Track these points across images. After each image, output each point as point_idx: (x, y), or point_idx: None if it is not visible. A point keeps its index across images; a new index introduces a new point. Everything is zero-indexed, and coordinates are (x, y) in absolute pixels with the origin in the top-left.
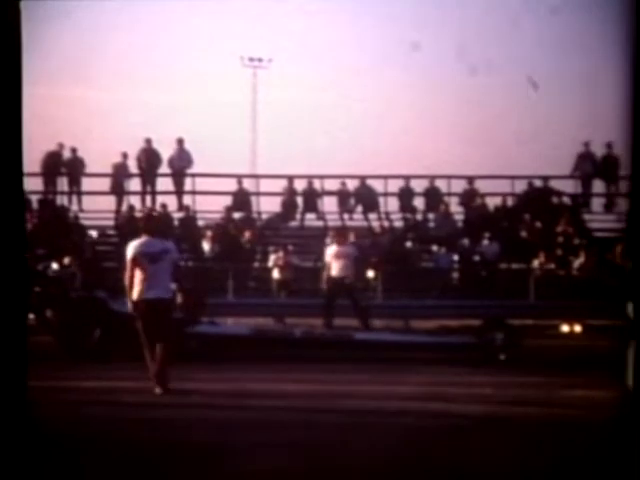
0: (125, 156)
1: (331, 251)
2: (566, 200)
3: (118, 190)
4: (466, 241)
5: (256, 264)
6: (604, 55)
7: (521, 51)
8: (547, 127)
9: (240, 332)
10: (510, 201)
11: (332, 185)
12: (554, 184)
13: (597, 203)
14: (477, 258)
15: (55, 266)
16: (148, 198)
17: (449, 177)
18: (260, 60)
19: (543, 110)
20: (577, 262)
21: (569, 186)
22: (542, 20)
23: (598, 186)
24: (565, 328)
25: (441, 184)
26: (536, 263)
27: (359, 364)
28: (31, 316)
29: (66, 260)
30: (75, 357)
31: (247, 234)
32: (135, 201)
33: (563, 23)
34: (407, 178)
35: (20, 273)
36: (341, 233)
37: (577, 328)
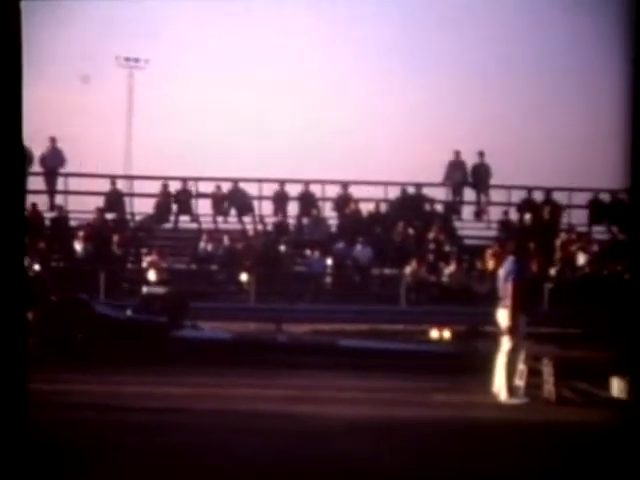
0: None
1: None
2: (438, 207)
3: None
4: (339, 246)
5: (129, 265)
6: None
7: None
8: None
9: (223, 337)
10: (383, 207)
11: (206, 187)
12: (426, 192)
13: (467, 211)
14: (350, 263)
15: (37, 267)
16: None
17: (323, 182)
18: (137, 60)
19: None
20: (448, 269)
21: (441, 194)
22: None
23: (469, 194)
24: (434, 333)
25: (315, 189)
26: (408, 269)
27: (239, 367)
28: None
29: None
30: (58, 360)
31: (119, 235)
32: None
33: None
34: (282, 182)
35: (19, 276)
36: None
37: (446, 334)
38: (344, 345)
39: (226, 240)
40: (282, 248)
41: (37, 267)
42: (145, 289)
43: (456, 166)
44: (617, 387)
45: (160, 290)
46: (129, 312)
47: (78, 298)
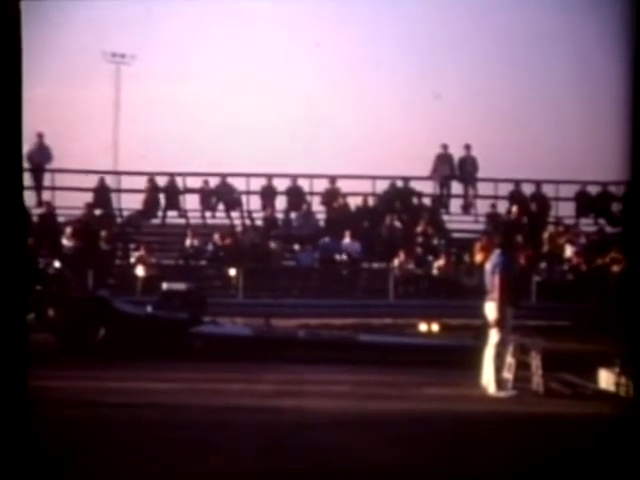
0: None
1: None
2: (426, 201)
3: None
4: (326, 240)
5: (117, 261)
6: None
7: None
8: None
9: (243, 333)
10: (371, 201)
11: (194, 183)
12: (414, 185)
13: (455, 204)
14: (338, 257)
15: (57, 264)
16: None
17: (311, 176)
18: (123, 56)
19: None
20: (436, 262)
21: (429, 187)
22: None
23: (456, 188)
24: (423, 327)
25: (303, 183)
26: (396, 263)
27: (224, 361)
28: (32, 315)
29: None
30: (78, 356)
31: (107, 231)
32: None
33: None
34: (269, 177)
35: (20, 273)
36: None
37: (435, 327)
38: (363, 340)
39: (214, 235)
40: (270, 243)
41: (57, 265)
42: (165, 285)
43: (443, 159)
44: (604, 379)
45: (180, 286)
46: (149, 309)
47: (98, 295)
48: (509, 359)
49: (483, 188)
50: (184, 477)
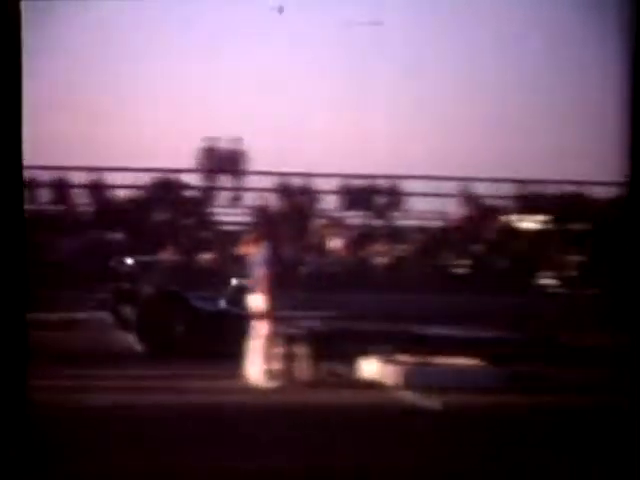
0: None
1: None
2: (193, 194)
3: None
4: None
5: None
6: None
7: None
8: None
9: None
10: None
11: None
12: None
13: (224, 197)
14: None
15: (129, 261)
16: None
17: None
18: None
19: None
20: (204, 254)
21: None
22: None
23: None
24: None
25: None
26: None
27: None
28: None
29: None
30: (156, 353)
31: None
32: None
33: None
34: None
35: (19, 272)
36: None
37: None
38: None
39: None
40: None
41: (129, 261)
42: (235, 280)
43: (210, 152)
44: (367, 368)
45: None
46: (222, 304)
47: (175, 291)
48: (275, 350)
49: (252, 180)
50: (185, 473)
